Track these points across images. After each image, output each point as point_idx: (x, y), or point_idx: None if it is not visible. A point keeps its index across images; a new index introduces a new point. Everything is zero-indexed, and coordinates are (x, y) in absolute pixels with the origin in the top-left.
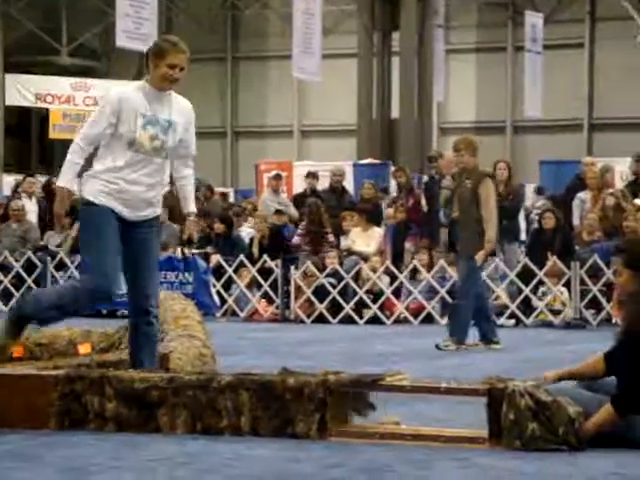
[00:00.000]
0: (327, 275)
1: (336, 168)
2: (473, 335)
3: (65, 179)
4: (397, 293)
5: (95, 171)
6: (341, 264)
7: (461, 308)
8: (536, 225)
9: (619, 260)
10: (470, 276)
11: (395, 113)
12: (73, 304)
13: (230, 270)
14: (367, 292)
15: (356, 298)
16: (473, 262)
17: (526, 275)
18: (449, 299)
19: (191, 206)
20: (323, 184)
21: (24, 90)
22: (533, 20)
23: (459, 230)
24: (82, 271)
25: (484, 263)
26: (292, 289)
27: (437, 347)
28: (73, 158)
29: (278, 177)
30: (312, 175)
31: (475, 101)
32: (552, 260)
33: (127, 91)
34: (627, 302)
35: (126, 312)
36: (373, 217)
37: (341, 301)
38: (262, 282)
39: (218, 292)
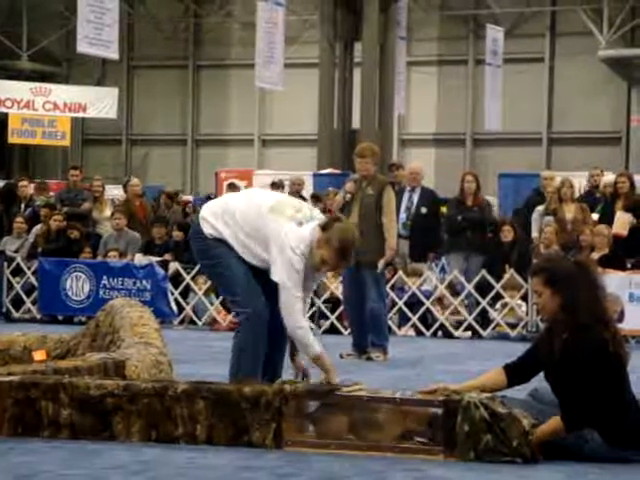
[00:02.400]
0: None
1: (295, 177)
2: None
3: (318, 345)
4: None
5: (227, 232)
6: None
7: (378, 320)
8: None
9: (537, 280)
10: (379, 283)
11: (356, 124)
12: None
13: (188, 278)
14: (325, 302)
15: (314, 308)
16: (375, 269)
17: (484, 287)
18: (407, 310)
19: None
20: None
21: None
22: (494, 34)
23: (360, 237)
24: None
25: (384, 271)
26: None
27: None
28: (302, 318)
29: (233, 186)
30: (277, 185)
31: (435, 113)
32: (509, 273)
33: (306, 252)
34: (559, 323)
35: (83, 319)
36: None
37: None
38: None
39: (176, 300)
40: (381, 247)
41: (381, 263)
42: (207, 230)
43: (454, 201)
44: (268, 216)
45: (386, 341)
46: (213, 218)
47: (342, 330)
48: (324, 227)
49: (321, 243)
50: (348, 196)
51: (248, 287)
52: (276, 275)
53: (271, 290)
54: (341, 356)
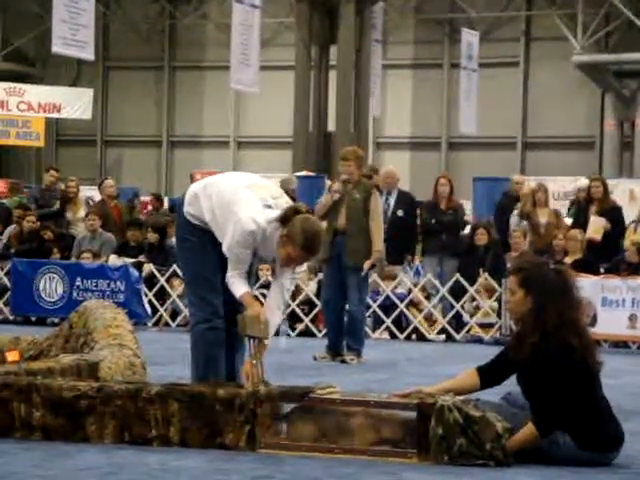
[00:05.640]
0: (260, 286)
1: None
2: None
3: (242, 288)
4: None
5: (206, 205)
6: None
7: (357, 324)
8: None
9: (513, 279)
10: (363, 286)
11: (331, 126)
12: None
13: (162, 279)
14: (299, 304)
15: (289, 310)
16: (359, 273)
17: (458, 291)
18: (381, 313)
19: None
20: None
21: None
22: (469, 38)
23: (346, 240)
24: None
25: (367, 275)
26: None
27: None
28: (230, 275)
29: None
30: None
31: (411, 116)
32: (483, 276)
33: (261, 232)
34: (527, 326)
35: (56, 320)
36: None
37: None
38: None
39: (150, 301)
40: (367, 251)
41: (366, 265)
42: (187, 209)
43: (428, 204)
44: (242, 190)
45: (362, 345)
46: (200, 191)
47: (316, 332)
48: (283, 220)
49: (284, 240)
50: (337, 196)
51: (206, 291)
52: (224, 248)
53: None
54: (314, 358)
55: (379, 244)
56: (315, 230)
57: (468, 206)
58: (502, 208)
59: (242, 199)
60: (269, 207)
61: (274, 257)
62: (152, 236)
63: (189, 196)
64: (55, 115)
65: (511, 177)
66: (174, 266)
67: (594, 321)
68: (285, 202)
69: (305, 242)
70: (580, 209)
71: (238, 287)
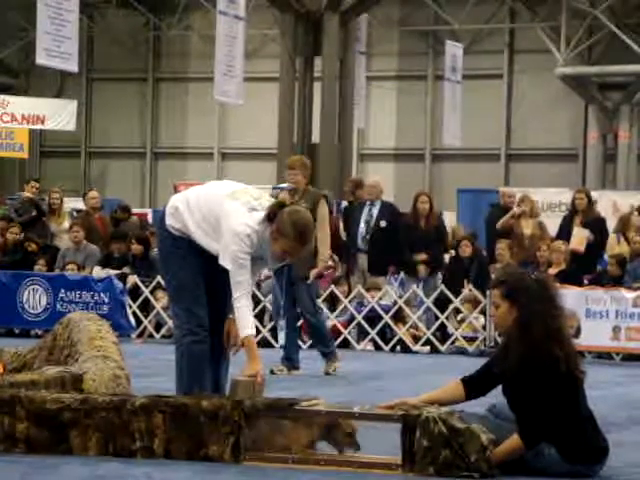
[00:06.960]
0: None
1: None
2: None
3: (249, 329)
4: None
5: (190, 221)
6: (259, 287)
7: (320, 330)
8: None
9: (496, 292)
10: (313, 293)
11: (316, 138)
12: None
13: (147, 291)
14: None
15: (273, 322)
16: (309, 282)
17: (442, 302)
18: (366, 325)
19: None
20: None
21: None
22: (453, 50)
23: None
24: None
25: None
26: None
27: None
28: (242, 297)
29: None
30: None
31: (395, 128)
32: (468, 288)
33: (255, 234)
34: (514, 337)
35: (40, 332)
36: None
37: (258, 324)
38: None
39: (134, 313)
40: (314, 260)
41: (313, 274)
42: (169, 221)
43: (407, 224)
44: (225, 199)
45: (333, 347)
46: (181, 204)
47: (301, 344)
48: (270, 217)
49: (275, 235)
50: None
51: (190, 302)
52: (224, 260)
53: (223, 295)
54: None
55: (325, 252)
56: (304, 219)
57: (452, 217)
58: (492, 221)
59: (228, 210)
60: (254, 209)
61: (270, 256)
62: (136, 248)
63: (170, 209)
64: (39, 127)
65: (499, 189)
66: (158, 278)
67: (578, 332)
68: (267, 200)
69: (296, 233)
70: (564, 220)
71: (244, 324)
